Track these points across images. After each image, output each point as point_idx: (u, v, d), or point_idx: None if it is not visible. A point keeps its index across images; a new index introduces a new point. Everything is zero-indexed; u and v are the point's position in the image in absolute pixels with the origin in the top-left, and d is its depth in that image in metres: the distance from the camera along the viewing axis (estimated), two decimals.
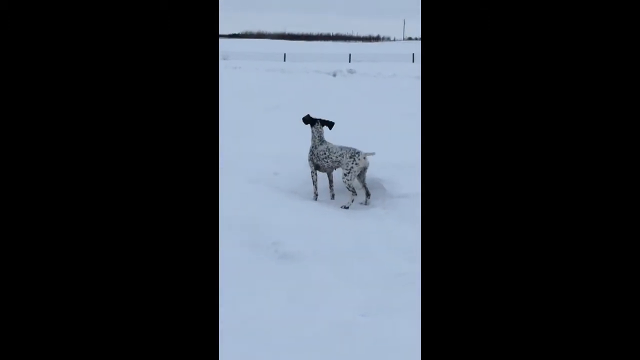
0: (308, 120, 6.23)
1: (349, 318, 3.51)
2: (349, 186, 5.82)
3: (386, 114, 11.34)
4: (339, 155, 5.91)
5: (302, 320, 3.46)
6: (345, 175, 5.83)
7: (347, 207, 5.80)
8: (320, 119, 6.22)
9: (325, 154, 5.99)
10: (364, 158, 5.88)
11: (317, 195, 6.09)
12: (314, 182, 6.10)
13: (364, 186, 6.02)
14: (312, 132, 6.17)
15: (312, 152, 6.10)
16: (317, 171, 6.12)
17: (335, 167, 6.00)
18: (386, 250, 4.58)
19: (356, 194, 5.87)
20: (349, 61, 32.39)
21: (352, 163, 5.82)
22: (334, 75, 22.38)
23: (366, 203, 5.97)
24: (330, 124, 6.24)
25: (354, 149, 5.92)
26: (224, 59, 32.81)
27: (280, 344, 3.21)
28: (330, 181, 6.19)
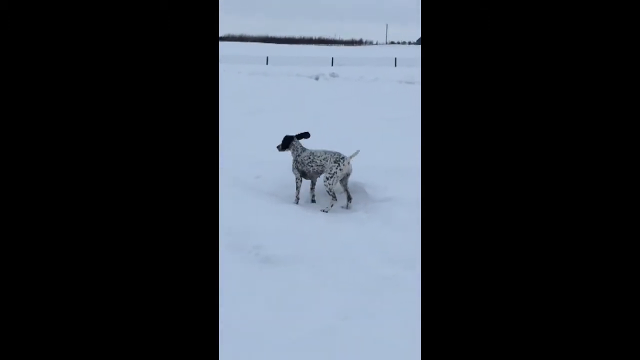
0: (286, 142, 6.21)
1: (331, 321, 3.51)
2: (330, 190, 5.81)
3: (368, 118, 11.36)
4: (323, 159, 5.90)
5: (285, 325, 3.45)
6: (327, 179, 5.81)
7: (327, 211, 5.80)
8: (295, 135, 6.22)
9: (309, 158, 5.97)
10: (348, 163, 5.88)
11: (298, 199, 6.08)
12: (298, 188, 6.08)
13: (346, 190, 6.02)
14: (291, 147, 6.17)
15: (296, 160, 6.09)
16: (303, 178, 6.12)
17: (320, 171, 5.98)
18: (369, 253, 4.59)
19: (336, 199, 5.87)
20: (332, 65, 32.42)
21: (336, 168, 5.81)
22: (317, 78, 22.40)
23: (347, 207, 5.98)
24: (306, 135, 6.27)
25: (339, 154, 5.91)
26: None
27: (262, 348, 3.20)
28: (313, 184, 6.19)
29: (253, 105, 13.18)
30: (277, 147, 6.33)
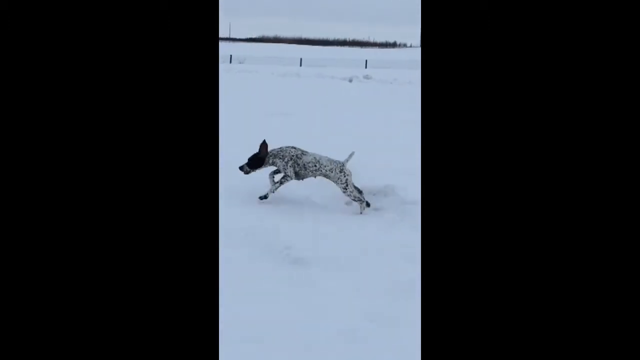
0: (258, 161, 5.88)
1: (357, 325, 3.47)
2: (355, 197, 5.77)
3: (401, 120, 11.31)
4: (329, 170, 5.81)
5: (310, 326, 3.42)
6: (345, 190, 5.76)
7: (362, 212, 5.78)
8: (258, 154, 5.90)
9: (315, 166, 5.84)
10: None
11: (269, 196, 5.84)
12: (282, 184, 5.86)
13: (355, 188, 5.94)
14: (278, 155, 5.88)
15: (295, 162, 5.85)
16: (295, 179, 5.91)
17: (318, 175, 5.90)
18: (397, 256, 4.54)
19: (364, 199, 5.81)
20: (365, 67, 32.43)
21: (344, 177, 5.77)
22: (350, 80, 22.45)
23: (366, 203, 5.89)
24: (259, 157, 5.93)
25: (339, 161, 5.84)
26: (240, 63, 32.99)
27: (287, 350, 3.17)
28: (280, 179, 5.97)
29: (284, 106, 13.23)
30: (243, 167, 5.91)
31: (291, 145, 6.00)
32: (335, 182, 5.81)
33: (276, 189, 5.88)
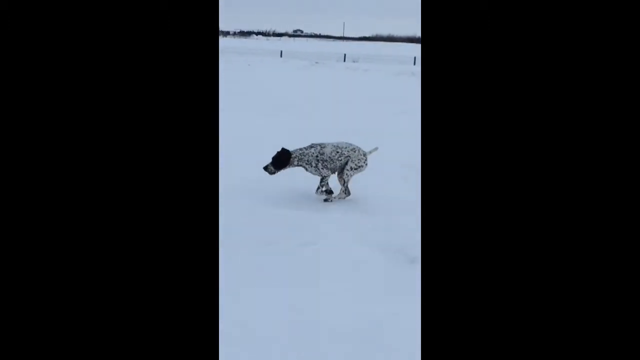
0: (284, 159, 5.70)
1: None
2: (345, 183, 5.71)
3: None
4: (352, 150, 5.72)
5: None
6: (352, 168, 5.68)
7: (331, 200, 5.72)
8: (287, 153, 5.73)
9: (337, 152, 5.72)
10: None
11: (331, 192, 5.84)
12: (327, 184, 5.81)
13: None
14: (296, 161, 5.73)
15: (318, 160, 5.71)
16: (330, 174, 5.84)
17: (344, 163, 5.76)
18: None
19: (350, 194, 5.77)
20: None
21: (364, 162, 5.72)
22: None
23: (330, 200, 5.81)
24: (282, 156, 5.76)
25: (360, 148, 5.78)
26: (354, 62, 33.17)
27: (406, 350, 3.18)
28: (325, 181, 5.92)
29: (399, 105, 13.21)
30: (267, 167, 5.72)
31: (309, 143, 5.90)
32: (348, 161, 5.70)
33: (322, 192, 5.82)
